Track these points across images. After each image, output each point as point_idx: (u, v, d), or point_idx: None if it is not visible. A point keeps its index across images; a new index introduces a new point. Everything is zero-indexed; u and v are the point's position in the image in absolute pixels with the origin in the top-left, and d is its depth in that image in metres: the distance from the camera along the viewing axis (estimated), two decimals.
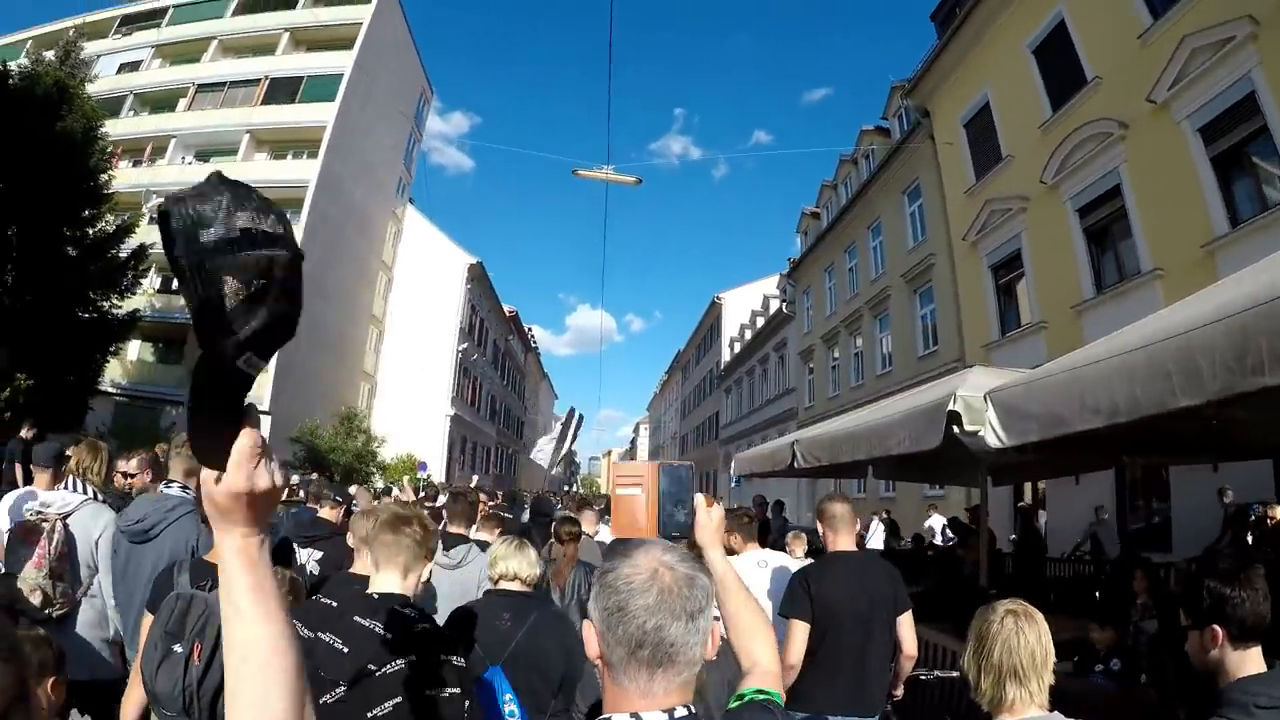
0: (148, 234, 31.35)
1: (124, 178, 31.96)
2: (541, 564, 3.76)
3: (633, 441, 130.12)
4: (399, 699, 2.19)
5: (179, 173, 33.12)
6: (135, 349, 32.47)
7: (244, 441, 1.01)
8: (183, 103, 35.22)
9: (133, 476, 5.54)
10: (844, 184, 30.40)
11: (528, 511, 11.22)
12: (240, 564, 1.01)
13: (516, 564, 3.54)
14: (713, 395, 53.80)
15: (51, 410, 17.68)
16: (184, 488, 3.95)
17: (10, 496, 4.66)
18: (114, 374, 30.12)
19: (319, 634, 2.26)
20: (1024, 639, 2.15)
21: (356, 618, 2.32)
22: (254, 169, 33.12)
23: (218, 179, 0.97)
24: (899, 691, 4.38)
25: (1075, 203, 15.52)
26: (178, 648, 2.68)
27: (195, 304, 0.92)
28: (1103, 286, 14.92)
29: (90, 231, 21.87)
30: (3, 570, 3.89)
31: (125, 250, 22.71)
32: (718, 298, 52.37)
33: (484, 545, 4.87)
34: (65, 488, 4.21)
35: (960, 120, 20.02)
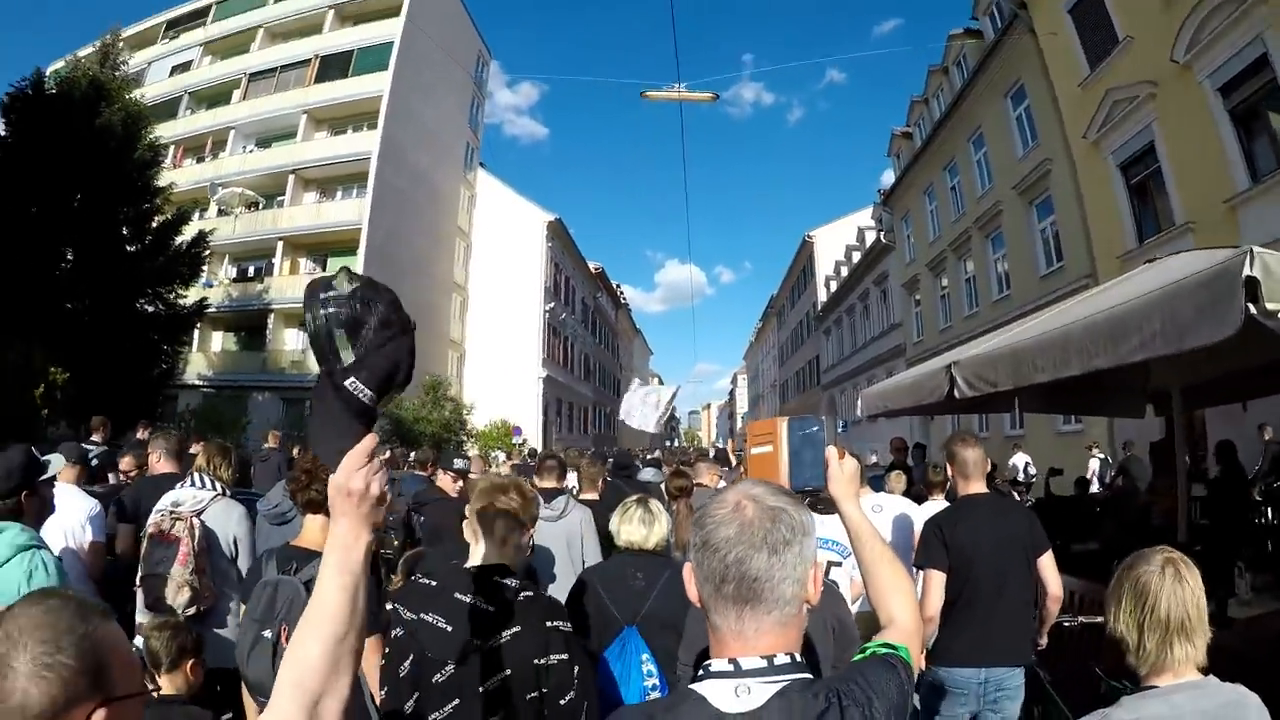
0: (214, 227, 31.63)
1: (189, 174, 32.82)
2: (666, 524, 3.66)
3: (731, 393, 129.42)
4: (508, 671, 2.23)
5: (240, 162, 33.66)
6: (219, 340, 32.75)
7: (354, 452, 1.29)
8: (237, 94, 35.07)
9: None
10: (935, 97, 27.89)
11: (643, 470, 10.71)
12: (334, 545, 1.28)
13: (640, 535, 3.53)
14: (811, 338, 51.77)
15: (121, 405, 17.11)
16: None
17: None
18: (199, 366, 30.70)
19: (422, 615, 2.27)
20: (1189, 590, 1.99)
21: (457, 594, 2.33)
22: (314, 148, 33.08)
23: (344, 270, 1.41)
24: (1043, 640, 4.22)
25: (1215, 80, 13.46)
26: (266, 633, 2.75)
27: (315, 348, 1.35)
28: (1259, 176, 12.85)
29: (147, 226, 21.38)
30: (144, 570, 3.94)
31: (181, 241, 22.22)
32: (808, 236, 50.00)
33: (586, 502, 5.34)
34: (193, 484, 4.25)
35: (1064, 6, 17.78)
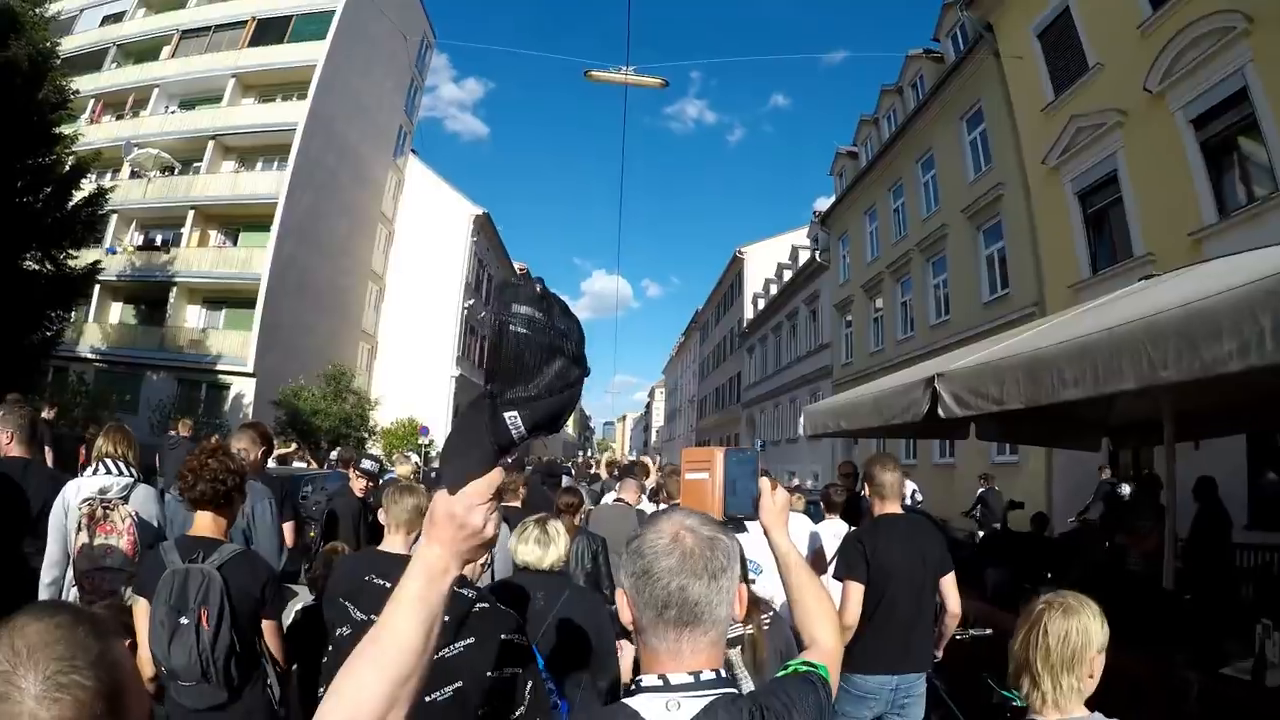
0: (125, 190, 29.57)
1: (105, 131, 30.94)
2: (563, 545, 3.64)
3: (648, 406, 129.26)
4: (459, 683, 2.20)
5: (161, 123, 31.82)
6: (117, 311, 30.70)
7: (482, 482, 1.19)
8: (166, 50, 33.25)
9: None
10: (887, 117, 27.51)
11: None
12: (421, 571, 1.17)
13: (535, 556, 3.52)
14: (734, 355, 51.30)
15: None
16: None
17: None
18: (94, 338, 28.72)
19: (372, 616, 1.67)
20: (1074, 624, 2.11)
21: None
22: (238, 114, 31.34)
23: (541, 284, 1.27)
24: (940, 652, 4.52)
25: (1189, 112, 13.08)
26: (184, 619, 2.77)
27: (492, 360, 1.21)
28: (1227, 211, 12.54)
29: (47, 177, 19.41)
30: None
31: (81, 198, 20.42)
32: (740, 251, 49.60)
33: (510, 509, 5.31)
34: (107, 471, 4.03)
35: (1033, 30, 17.40)
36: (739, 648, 2.61)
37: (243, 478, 3.40)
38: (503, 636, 2.33)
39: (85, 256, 20.92)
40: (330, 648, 2.55)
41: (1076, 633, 2.07)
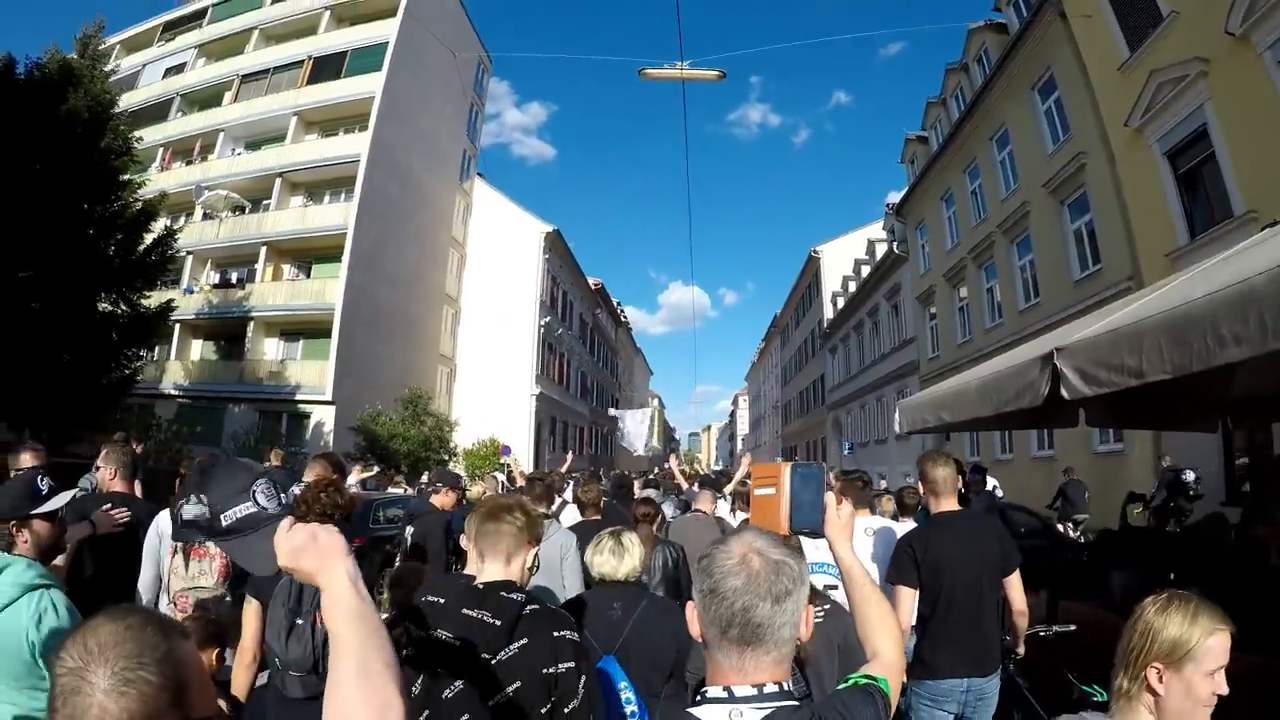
0: (199, 231, 30.47)
1: (177, 177, 32.21)
2: (638, 556, 3.71)
3: (732, 414, 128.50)
4: (518, 683, 2.26)
5: (228, 165, 32.66)
6: (198, 348, 31.44)
7: (281, 532, 1.37)
8: (228, 96, 34.23)
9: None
10: (954, 97, 26.43)
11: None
12: (325, 605, 1.28)
13: (610, 567, 3.61)
14: (816, 357, 50.28)
15: (68, 408, 16.21)
16: None
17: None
18: (176, 375, 29.63)
19: (431, 633, 2.32)
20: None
21: (465, 610, 2.37)
22: (302, 150, 31.99)
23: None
24: (1021, 649, 4.39)
25: (1279, 51, 11.97)
26: (299, 620, 3.24)
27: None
28: None
29: (116, 222, 19.82)
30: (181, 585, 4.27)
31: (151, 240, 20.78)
32: (814, 251, 48.59)
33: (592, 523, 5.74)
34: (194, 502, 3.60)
35: None
36: None
37: (350, 510, 3.78)
38: (555, 634, 2.40)
39: (160, 296, 21.32)
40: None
41: (1143, 632, 1.95)
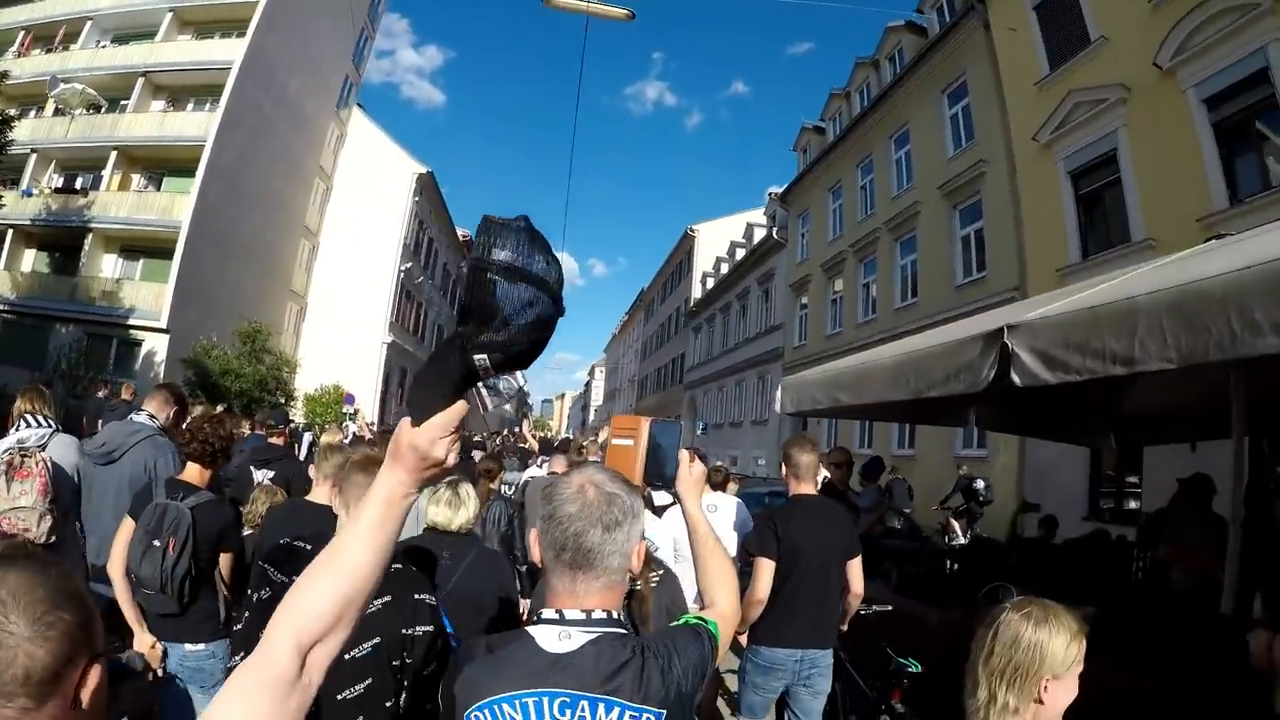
0: (45, 127, 27.85)
1: (32, 65, 28.54)
2: (473, 509, 3.80)
3: (587, 384, 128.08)
4: (377, 639, 2.31)
5: (90, 57, 29.22)
6: (30, 258, 28.21)
7: (445, 415, 1.20)
8: None
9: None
10: (860, 91, 26.50)
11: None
12: (382, 496, 1.20)
13: (445, 517, 3.65)
14: (679, 335, 50.20)
15: None
16: (151, 416, 4.91)
17: None
18: (3, 287, 26.43)
19: (293, 578, 1.69)
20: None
21: None
22: (172, 50, 28.80)
23: (525, 223, 1.27)
24: (845, 626, 4.69)
25: (1202, 91, 12.40)
26: (156, 543, 3.56)
27: (461, 301, 1.27)
28: (1240, 196, 11.85)
29: None
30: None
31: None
32: (691, 229, 48.34)
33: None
34: (27, 426, 4.53)
35: (1029, 2, 16.50)
36: (627, 601, 2.52)
37: (229, 443, 4.09)
38: (416, 596, 2.52)
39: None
40: (247, 613, 2.71)
41: (1029, 646, 1.89)
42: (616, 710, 1.48)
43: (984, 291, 17.12)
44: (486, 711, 1.48)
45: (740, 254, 38.86)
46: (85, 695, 1.08)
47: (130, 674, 3.37)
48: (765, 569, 4.21)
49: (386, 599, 2.37)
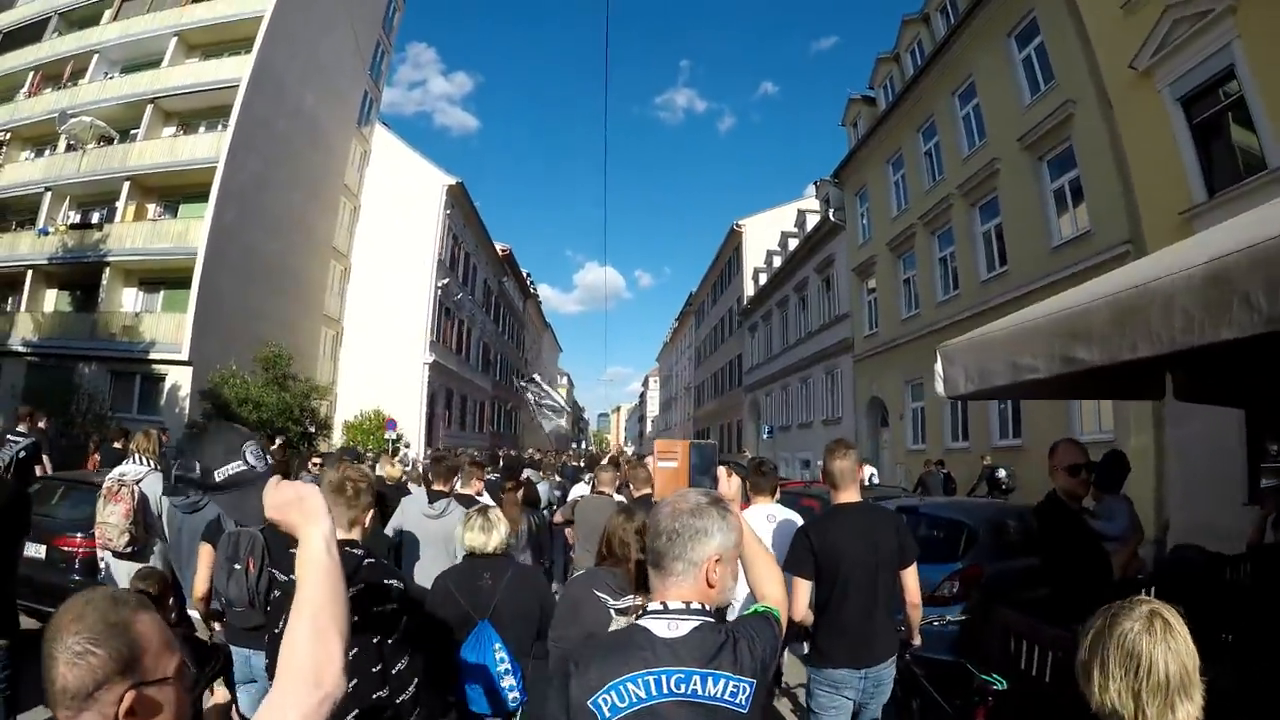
0: (58, 164, 26.93)
1: (43, 104, 28.23)
2: (504, 531, 4.08)
3: (642, 396, 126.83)
4: (356, 618, 2.25)
5: (98, 90, 28.44)
6: (51, 299, 27.25)
7: (269, 489, 1.59)
8: (108, 14, 29.87)
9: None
10: (911, 51, 24.32)
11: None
12: (300, 559, 1.49)
13: (480, 541, 4.00)
14: (733, 336, 48.21)
15: None
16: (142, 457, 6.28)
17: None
18: (26, 330, 25.29)
19: (291, 577, 2.35)
20: (1181, 643, 1.76)
21: None
22: (177, 74, 27.87)
23: (196, 429, 1.92)
24: (917, 640, 4.41)
25: None
26: (237, 565, 4.17)
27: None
28: None
29: None
30: (101, 519, 5.82)
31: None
32: (737, 224, 46.41)
33: (467, 500, 5.92)
34: (133, 462, 6.21)
35: None
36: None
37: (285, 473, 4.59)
38: (385, 581, 3.05)
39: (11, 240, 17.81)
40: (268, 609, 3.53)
41: (1190, 643, 1.76)
42: (722, 682, 1.81)
43: (1088, 250, 14.88)
44: (613, 693, 1.78)
45: (793, 244, 36.73)
46: (123, 715, 1.23)
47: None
48: (801, 589, 4.07)
49: (360, 586, 2.85)
